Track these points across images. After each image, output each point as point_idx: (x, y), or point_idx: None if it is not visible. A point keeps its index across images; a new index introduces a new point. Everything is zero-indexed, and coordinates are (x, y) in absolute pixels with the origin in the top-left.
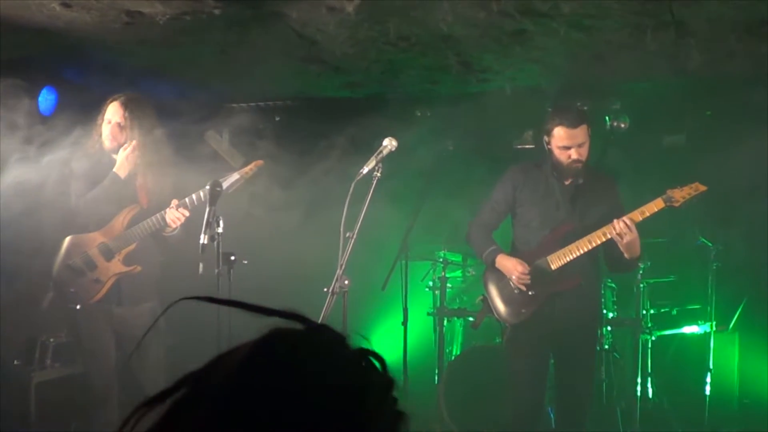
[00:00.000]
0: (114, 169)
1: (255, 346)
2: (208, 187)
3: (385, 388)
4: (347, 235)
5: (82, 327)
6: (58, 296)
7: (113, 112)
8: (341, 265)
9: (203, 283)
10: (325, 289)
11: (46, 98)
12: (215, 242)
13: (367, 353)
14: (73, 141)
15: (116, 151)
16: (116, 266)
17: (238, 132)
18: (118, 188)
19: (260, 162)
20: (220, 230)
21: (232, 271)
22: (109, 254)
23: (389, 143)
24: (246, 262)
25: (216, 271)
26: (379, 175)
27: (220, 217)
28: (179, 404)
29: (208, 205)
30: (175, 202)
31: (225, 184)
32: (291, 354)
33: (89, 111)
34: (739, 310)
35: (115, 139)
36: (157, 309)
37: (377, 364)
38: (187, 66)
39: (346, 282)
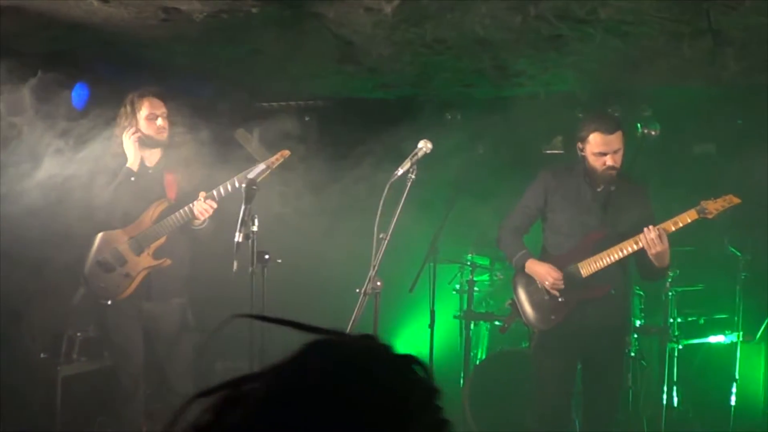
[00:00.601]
0: (128, 165)
1: (301, 355)
2: (240, 183)
3: (429, 396)
4: (380, 236)
5: (111, 322)
6: (89, 292)
7: (156, 106)
8: (374, 266)
9: (236, 281)
10: (358, 290)
11: (79, 93)
12: (250, 240)
13: (411, 361)
14: (105, 136)
15: (162, 145)
16: (146, 260)
17: (268, 131)
18: (142, 182)
19: (286, 152)
20: (255, 229)
21: (266, 270)
22: (138, 249)
23: (424, 145)
24: (280, 261)
25: (250, 269)
26: (413, 177)
27: (256, 216)
28: (229, 402)
29: (243, 204)
30: (202, 194)
31: (251, 175)
32: (337, 363)
33: (120, 107)
34: (767, 320)
35: (166, 130)
36: (186, 305)
37: (421, 372)
38: (222, 64)
39: (379, 283)
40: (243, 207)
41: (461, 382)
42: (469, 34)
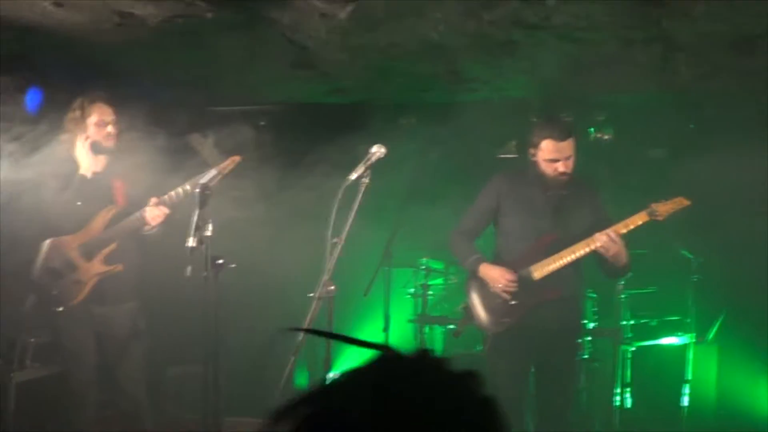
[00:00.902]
0: (80, 171)
1: (367, 371)
2: (192, 189)
3: (488, 406)
4: (334, 240)
5: (63, 328)
6: (41, 299)
7: (104, 112)
8: (327, 271)
9: (190, 286)
10: (311, 295)
11: (32, 97)
12: (203, 245)
13: (468, 374)
14: (59, 141)
15: (106, 151)
16: (97, 266)
17: (222, 136)
18: (90, 188)
19: (237, 157)
20: (208, 233)
21: (220, 275)
22: (89, 255)
23: (378, 150)
24: (234, 266)
25: (204, 274)
26: (367, 181)
27: (209, 221)
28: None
29: (197, 208)
30: (154, 199)
31: (203, 180)
32: (401, 379)
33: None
34: (719, 322)
35: (112, 138)
36: (137, 309)
37: (477, 383)
38: (175, 68)
39: (332, 288)
40: (196, 212)
41: None
42: (423, 39)
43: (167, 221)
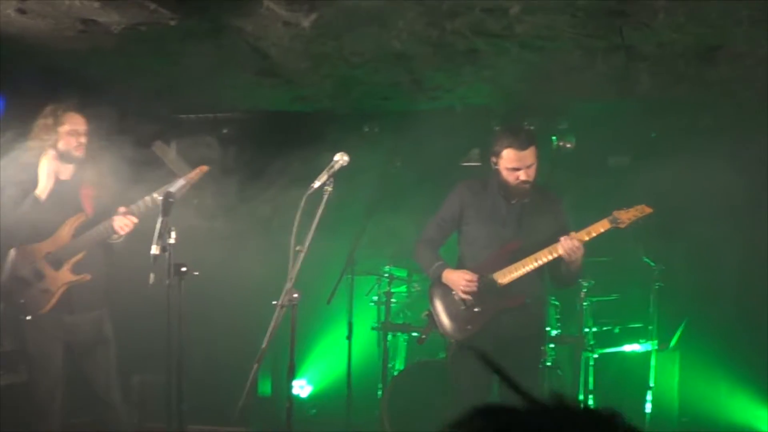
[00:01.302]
0: (38, 191)
1: (545, 412)
2: (161, 198)
3: None
4: (297, 248)
5: (30, 336)
6: (8, 307)
7: (76, 122)
8: (291, 279)
9: (153, 293)
10: (275, 302)
11: None
12: (167, 253)
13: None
14: (22, 149)
15: (75, 161)
16: (65, 275)
17: (186, 143)
18: (57, 196)
19: (205, 168)
20: (172, 241)
21: (183, 283)
22: (57, 264)
23: (341, 158)
24: (197, 273)
25: (167, 281)
26: (330, 189)
27: (172, 228)
28: None
29: (160, 216)
30: (122, 209)
31: (172, 189)
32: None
33: (38, 117)
34: (680, 329)
35: (82, 148)
36: (106, 316)
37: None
38: (139, 76)
39: (296, 295)
40: (160, 219)
41: (379, 393)
42: (386, 47)
43: (134, 230)
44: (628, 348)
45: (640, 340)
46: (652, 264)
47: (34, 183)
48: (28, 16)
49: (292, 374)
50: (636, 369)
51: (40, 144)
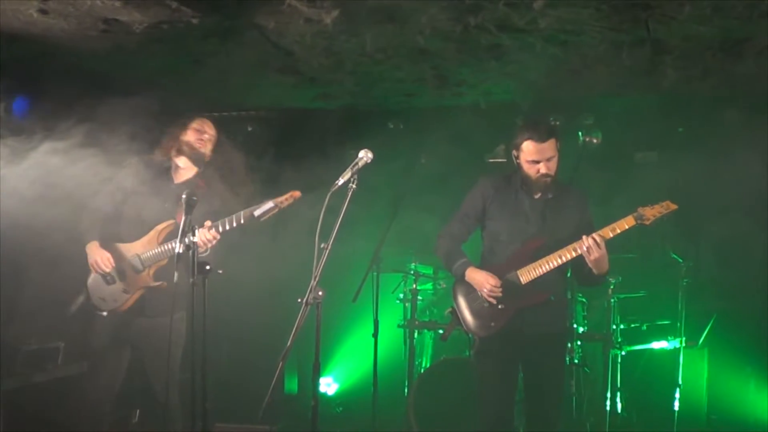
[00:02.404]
0: (177, 181)
1: None
2: (184, 196)
3: None
4: (322, 246)
5: (97, 332)
6: (87, 302)
7: (206, 125)
8: (315, 276)
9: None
10: (300, 300)
11: (19, 105)
12: (190, 251)
13: None
14: (46, 150)
15: (198, 158)
16: (146, 279)
17: None
18: (165, 199)
19: (297, 193)
20: (195, 239)
21: (207, 281)
22: (140, 266)
23: (365, 155)
24: (221, 272)
25: (191, 280)
26: (354, 186)
27: (196, 227)
28: None
29: (183, 215)
30: (207, 223)
31: (258, 212)
32: None
33: (61, 117)
34: (709, 326)
35: (206, 147)
36: (179, 321)
37: None
38: (162, 74)
39: (320, 293)
40: (183, 218)
41: (406, 390)
42: (409, 43)
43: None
44: (656, 345)
45: (668, 337)
46: (680, 260)
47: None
48: (50, 16)
49: (317, 372)
50: (664, 366)
51: (162, 152)
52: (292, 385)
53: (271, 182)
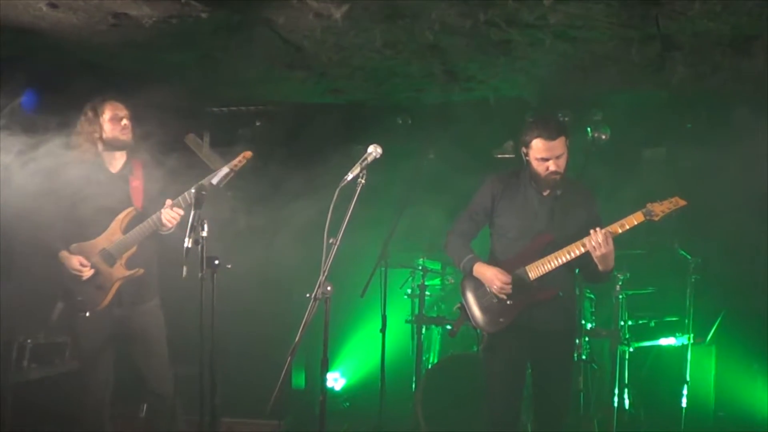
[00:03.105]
0: (113, 171)
1: None
2: (193, 191)
3: None
4: (330, 241)
5: (82, 331)
6: (67, 305)
7: (118, 108)
8: (324, 271)
9: (186, 286)
10: (308, 295)
11: (28, 99)
12: (199, 246)
13: None
14: (59, 143)
15: (126, 146)
16: (120, 271)
17: (218, 136)
18: (107, 189)
19: (249, 153)
20: (204, 234)
21: (216, 275)
22: (111, 260)
23: (374, 150)
24: (230, 266)
25: (199, 274)
26: (363, 182)
27: (205, 221)
28: None
29: (192, 209)
30: (169, 201)
31: (215, 179)
32: None
33: (71, 112)
34: (717, 322)
35: (128, 131)
36: (157, 308)
37: None
38: (171, 69)
39: (329, 288)
40: (192, 212)
41: (413, 386)
42: (419, 39)
43: (181, 221)
44: (663, 341)
45: (676, 334)
46: (688, 257)
47: (84, 180)
48: (59, 10)
49: (325, 367)
50: (672, 363)
51: (85, 138)
52: (299, 380)
53: (279, 177)
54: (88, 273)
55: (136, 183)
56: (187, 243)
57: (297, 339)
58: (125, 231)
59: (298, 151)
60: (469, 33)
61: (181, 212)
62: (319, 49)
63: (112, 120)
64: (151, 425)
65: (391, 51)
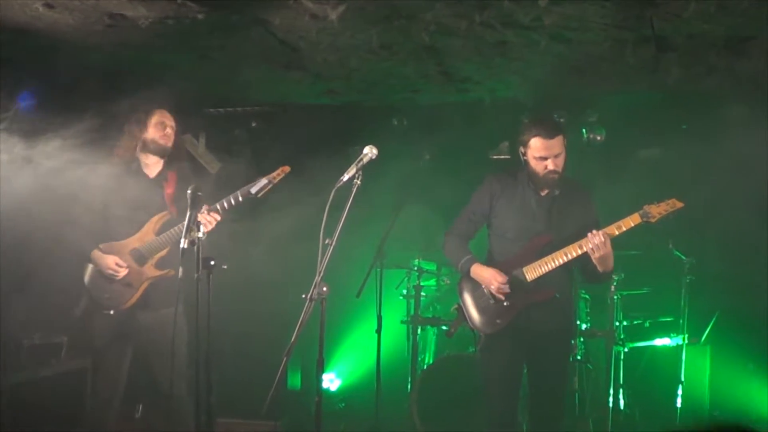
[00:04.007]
0: (150, 175)
1: None
2: (189, 191)
3: None
4: (326, 242)
5: (99, 329)
6: (92, 303)
7: (165, 117)
8: (320, 272)
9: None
10: (304, 296)
11: (25, 99)
12: (195, 247)
13: None
14: (53, 142)
15: (164, 153)
16: (150, 271)
17: (214, 136)
18: (147, 193)
19: (287, 168)
20: (200, 235)
21: (212, 276)
22: (142, 259)
23: (370, 151)
24: (225, 267)
25: (195, 275)
26: (359, 182)
27: (201, 222)
28: None
29: (189, 209)
30: (206, 206)
31: (254, 189)
32: None
33: (68, 113)
34: (712, 323)
35: (170, 140)
36: (181, 313)
37: None
38: (167, 69)
39: (325, 289)
40: (188, 213)
41: (409, 386)
42: (415, 40)
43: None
44: (658, 342)
45: (671, 334)
46: (683, 257)
47: (120, 182)
48: (55, 10)
49: (321, 368)
50: (666, 363)
51: (129, 140)
52: (295, 380)
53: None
54: (123, 272)
55: (170, 191)
56: (183, 244)
57: (293, 339)
58: (158, 233)
59: (294, 152)
60: (465, 34)
61: (218, 218)
62: (314, 50)
63: (157, 125)
64: (155, 426)
65: (386, 52)
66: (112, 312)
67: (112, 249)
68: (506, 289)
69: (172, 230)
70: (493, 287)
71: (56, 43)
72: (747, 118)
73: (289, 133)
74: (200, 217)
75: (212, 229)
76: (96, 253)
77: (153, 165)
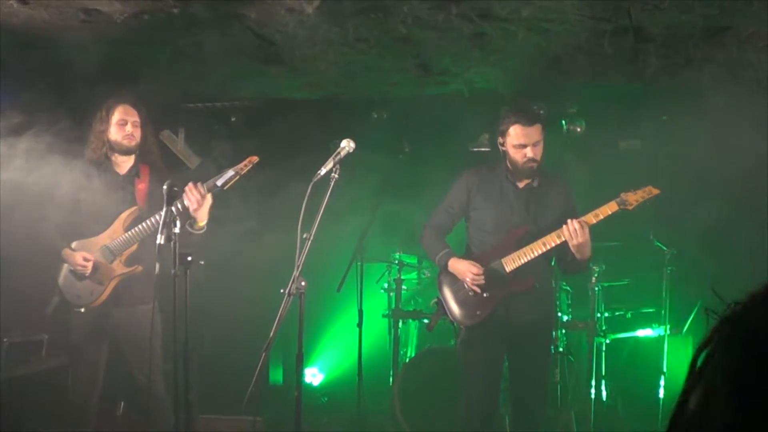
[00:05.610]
0: (120, 172)
1: None
2: (165, 187)
3: None
4: (304, 236)
5: (75, 327)
6: (64, 301)
7: (127, 113)
8: (298, 267)
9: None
10: (282, 291)
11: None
12: (172, 242)
13: None
14: (28, 139)
15: (131, 152)
16: (118, 268)
17: (193, 132)
18: (117, 190)
19: (255, 158)
20: (176, 230)
21: (189, 272)
22: (110, 256)
23: (347, 145)
24: (202, 262)
25: (172, 271)
26: (336, 176)
27: (177, 218)
28: None
29: (164, 206)
30: (190, 185)
31: (220, 181)
32: None
33: (43, 109)
34: (693, 313)
35: (135, 138)
36: (155, 309)
37: None
38: (144, 65)
39: (303, 283)
40: (164, 209)
41: (391, 379)
42: (392, 32)
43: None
44: (640, 333)
45: (653, 325)
46: (664, 248)
47: (90, 179)
48: (30, 6)
49: (300, 363)
50: (648, 354)
51: (97, 138)
52: (277, 375)
53: (254, 173)
54: (90, 267)
55: (142, 185)
56: (160, 240)
57: (271, 335)
58: (127, 229)
59: (273, 145)
60: (442, 26)
61: (204, 192)
62: (292, 44)
63: (118, 124)
64: (138, 424)
65: (364, 45)
66: (83, 310)
67: (83, 246)
68: (480, 279)
69: (140, 226)
70: (468, 279)
71: (32, 39)
72: (726, 109)
73: (268, 128)
74: (187, 192)
75: (197, 205)
76: (67, 251)
77: (123, 162)
